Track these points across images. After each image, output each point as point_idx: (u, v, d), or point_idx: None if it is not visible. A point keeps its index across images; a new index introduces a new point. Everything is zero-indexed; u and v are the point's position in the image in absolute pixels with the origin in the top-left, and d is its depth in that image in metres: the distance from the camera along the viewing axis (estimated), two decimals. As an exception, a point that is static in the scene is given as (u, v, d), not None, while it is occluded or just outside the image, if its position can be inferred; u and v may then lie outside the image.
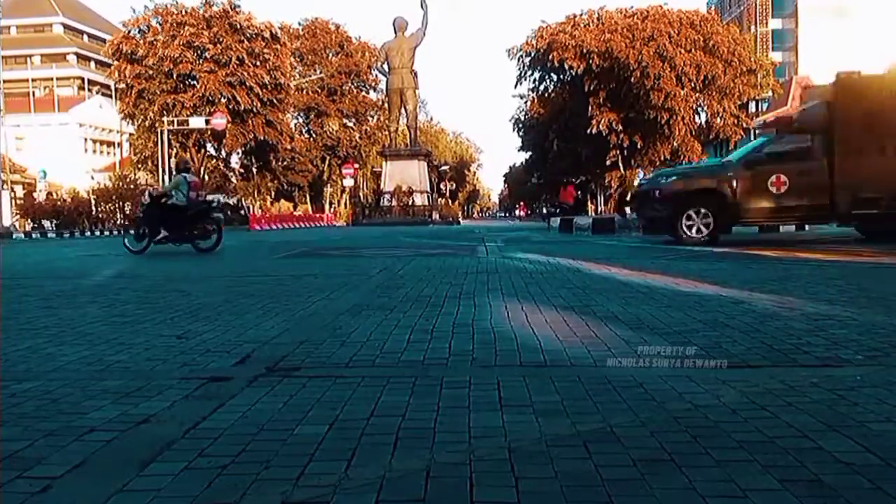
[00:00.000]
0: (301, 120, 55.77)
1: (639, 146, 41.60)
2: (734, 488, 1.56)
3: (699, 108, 42.13)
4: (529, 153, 60.78)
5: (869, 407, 2.15)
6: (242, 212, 49.40)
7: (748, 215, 11.23)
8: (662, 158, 42.28)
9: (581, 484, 1.59)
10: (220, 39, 39.53)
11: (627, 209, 14.96)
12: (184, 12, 40.24)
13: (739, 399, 2.25)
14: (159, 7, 40.50)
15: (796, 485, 1.56)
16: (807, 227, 14.56)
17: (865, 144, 10.49)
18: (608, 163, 43.15)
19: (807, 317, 3.79)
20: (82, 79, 61.97)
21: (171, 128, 39.22)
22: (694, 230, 11.17)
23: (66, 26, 64.64)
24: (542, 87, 46.37)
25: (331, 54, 55.30)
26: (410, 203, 41.99)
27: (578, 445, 1.84)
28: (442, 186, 67.16)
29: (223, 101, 39.81)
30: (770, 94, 46.96)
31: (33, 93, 56.29)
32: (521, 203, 70.84)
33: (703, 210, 11.05)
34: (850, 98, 10.97)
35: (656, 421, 2.04)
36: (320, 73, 53.18)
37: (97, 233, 28.80)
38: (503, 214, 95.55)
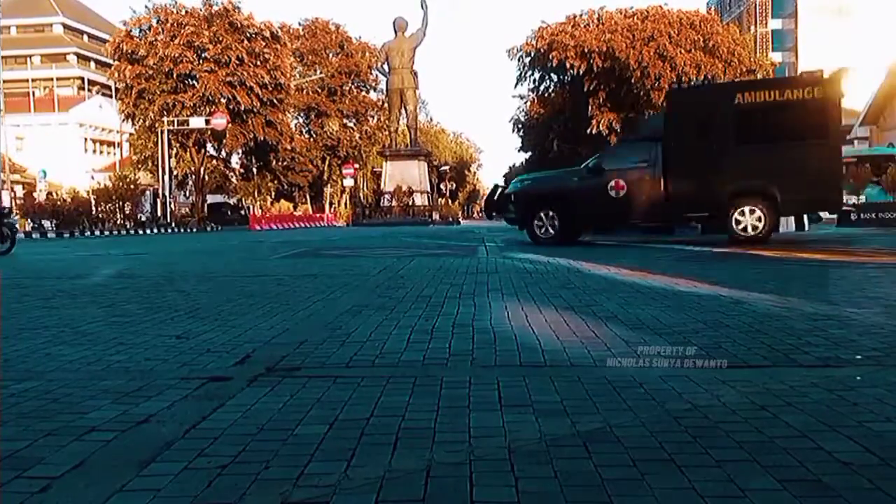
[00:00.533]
0: (301, 120, 55.73)
1: (639, 146, 41.53)
2: (734, 488, 1.56)
3: (700, 109, 42.06)
4: (529, 153, 60.75)
5: (868, 407, 2.15)
6: (242, 212, 49.46)
7: (590, 220, 12.43)
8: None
9: (581, 484, 1.59)
10: (221, 39, 39.44)
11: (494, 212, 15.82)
12: (183, 12, 40.19)
13: (739, 399, 2.25)
14: (158, 7, 40.47)
15: (796, 485, 1.56)
16: (807, 227, 14.63)
17: (691, 155, 11.20)
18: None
19: (806, 317, 3.79)
20: (82, 79, 61.85)
21: (171, 128, 39.14)
22: (543, 231, 12.02)
23: (66, 26, 64.55)
24: (542, 88, 46.30)
25: (331, 54, 55.26)
26: (410, 203, 42.00)
27: (578, 445, 1.84)
28: (442, 186, 67.17)
29: (223, 101, 39.67)
30: (770, 94, 46.87)
31: (33, 93, 56.04)
32: None
33: (550, 213, 11.93)
34: (679, 110, 12.06)
35: (656, 421, 2.04)
36: (320, 73, 53.12)
37: (97, 233, 28.79)
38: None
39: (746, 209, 10.97)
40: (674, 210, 11.51)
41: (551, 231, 11.96)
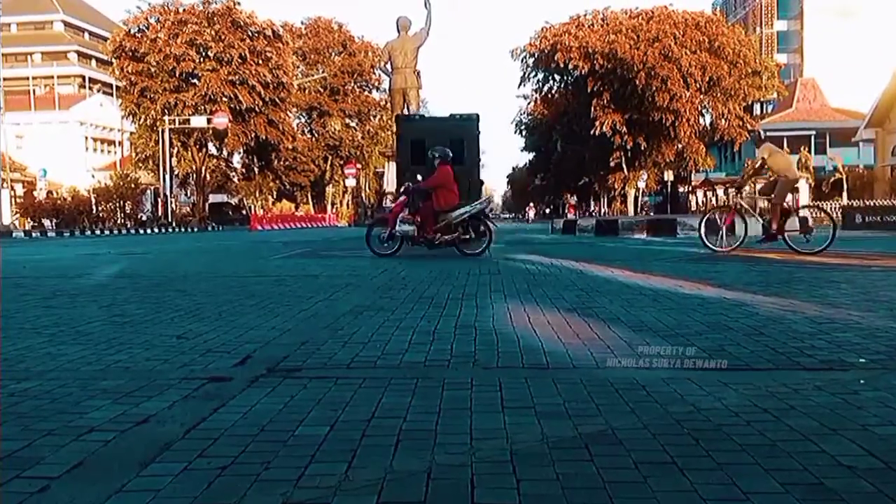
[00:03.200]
0: (303, 119, 55.68)
1: (643, 148, 41.54)
2: (736, 491, 1.55)
3: (704, 110, 42.05)
4: (533, 154, 60.71)
5: (872, 410, 2.14)
6: (244, 211, 49.42)
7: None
8: (667, 160, 42.25)
9: (583, 486, 1.59)
10: (223, 37, 39.36)
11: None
12: (182, 10, 40.06)
13: (742, 402, 2.25)
14: (156, 6, 40.34)
15: (798, 488, 1.56)
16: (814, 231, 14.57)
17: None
18: (612, 164, 43.10)
19: (810, 320, 3.78)
20: (83, 77, 61.65)
21: (172, 127, 39.12)
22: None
23: (66, 24, 64.42)
24: (545, 88, 46.33)
25: (333, 54, 55.17)
26: (413, 204, 41.90)
27: (580, 448, 1.84)
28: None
29: (225, 100, 39.63)
30: (775, 95, 46.88)
31: (34, 91, 55.74)
32: (531, 203, 69.94)
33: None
34: (405, 134, 13.08)
35: (658, 423, 2.03)
36: (323, 72, 53.05)
37: (98, 232, 28.79)
38: (510, 216, 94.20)
39: None
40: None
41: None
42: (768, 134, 47.76)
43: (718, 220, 10.36)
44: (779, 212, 9.60)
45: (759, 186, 11.15)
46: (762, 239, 9.83)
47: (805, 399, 2.27)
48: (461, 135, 12.43)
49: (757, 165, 10.68)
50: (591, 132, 40.16)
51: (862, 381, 2.50)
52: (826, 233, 9.44)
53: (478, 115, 13.13)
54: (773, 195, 9.72)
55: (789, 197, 10.92)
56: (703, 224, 10.20)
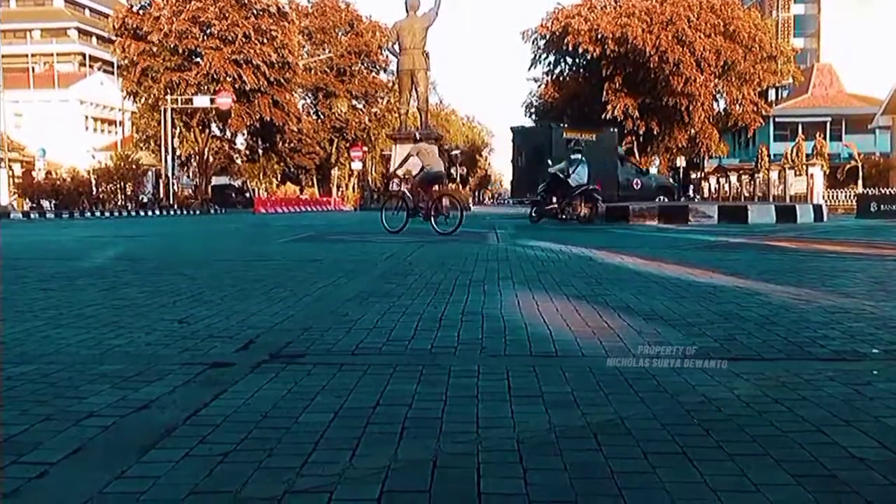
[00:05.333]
0: (309, 100, 55.01)
1: (655, 133, 41.21)
2: (746, 482, 1.53)
3: (718, 95, 41.62)
4: (543, 139, 60.26)
5: (884, 402, 2.12)
6: (247, 194, 49.26)
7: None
8: (679, 145, 41.91)
9: (590, 476, 1.57)
10: (227, 15, 38.64)
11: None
12: None
13: (753, 392, 2.22)
14: None
15: (810, 480, 1.54)
16: (824, 218, 14.52)
17: None
18: (623, 149, 42.81)
19: (823, 310, 3.73)
20: (83, 54, 60.81)
21: (174, 106, 38.66)
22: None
23: (67, 0, 63.88)
24: (556, 71, 45.93)
25: (340, 33, 54.44)
26: (420, 188, 41.73)
27: (588, 437, 1.82)
28: (453, 171, 66.85)
29: (228, 79, 38.85)
30: (791, 81, 46.32)
31: (33, 68, 54.69)
32: None
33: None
34: None
35: (668, 413, 2.01)
36: (329, 52, 52.37)
37: (98, 214, 28.78)
38: (520, 200, 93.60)
39: None
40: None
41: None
42: (782, 120, 47.35)
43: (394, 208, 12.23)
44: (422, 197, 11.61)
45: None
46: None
47: (817, 390, 2.24)
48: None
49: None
50: (603, 116, 39.84)
51: (875, 372, 2.47)
52: None
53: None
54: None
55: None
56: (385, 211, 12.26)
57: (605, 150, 23.09)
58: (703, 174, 49.67)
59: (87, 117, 55.76)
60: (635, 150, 42.58)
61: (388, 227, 11.56)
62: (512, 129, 25.94)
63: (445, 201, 12.06)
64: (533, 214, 16.69)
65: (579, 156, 15.52)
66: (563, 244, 8.86)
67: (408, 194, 11.94)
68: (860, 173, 33.56)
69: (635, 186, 24.61)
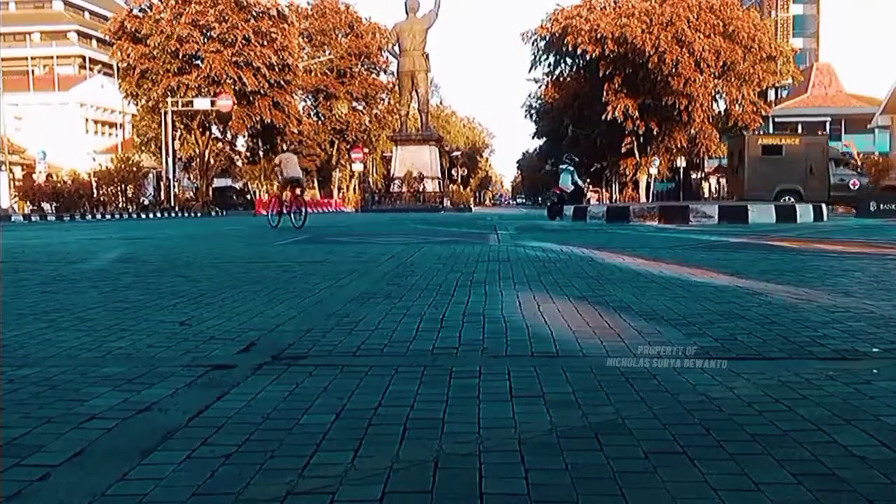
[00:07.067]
0: (309, 102, 55.12)
1: (655, 133, 41.23)
2: (747, 482, 1.53)
3: (718, 95, 41.64)
4: (544, 139, 60.36)
5: (885, 400, 2.11)
6: (248, 196, 49.28)
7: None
8: (679, 146, 41.93)
9: (592, 476, 1.57)
10: (227, 17, 38.76)
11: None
12: None
13: (754, 391, 2.22)
14: None
15: (810, 478, 1.54)
16: (825, 217, 14.53)
17: None
18: (623, 150, 42.82)
19: (823, 309, 3.73)
20: (83, 57, 60.76)
21: (175, 109, 38.74)
22: None
23: (66, 3, 63.56)
24: (556, 72, 45.99)
25: (340, 35, 54.53)
26: (421, 189, 41.87)
27: (590, 437, 1.82)
28: (453, 172, 66.86)
29: (229, 82, 39.03)
30: (790, 81, 46.34)
31: (33, 71, 54.79)
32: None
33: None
34: None
35: (669, 413, 2.01)
36: (329, 54, 52.52)
37: (99, 216, 28.75)
38: (520, 201, 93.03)
39: None
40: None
41: None
42: (781, 120, 47.34)
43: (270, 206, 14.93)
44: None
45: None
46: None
47: (817, 389, 2.24)
48: None
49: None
50: (603, 117, 39.86)
51: (875, 371, 2.46)
52: None
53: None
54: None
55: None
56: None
57: (813, 155, 24.74)
58: (703, 174, 49.65)
59: (87, 120, 55.70)
60: (635, 151, 42.61)
61: (271, 223, 15.08)
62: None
63: (298, 202, 15.47)
64: (548, 214, 20.99)
65: (565, 166, 20.45)
66: (564, 244, 8.86)
67: (283, 196, 15.54)
68: (859, 172, 33.49)
69: (852, 187, 25.09)
